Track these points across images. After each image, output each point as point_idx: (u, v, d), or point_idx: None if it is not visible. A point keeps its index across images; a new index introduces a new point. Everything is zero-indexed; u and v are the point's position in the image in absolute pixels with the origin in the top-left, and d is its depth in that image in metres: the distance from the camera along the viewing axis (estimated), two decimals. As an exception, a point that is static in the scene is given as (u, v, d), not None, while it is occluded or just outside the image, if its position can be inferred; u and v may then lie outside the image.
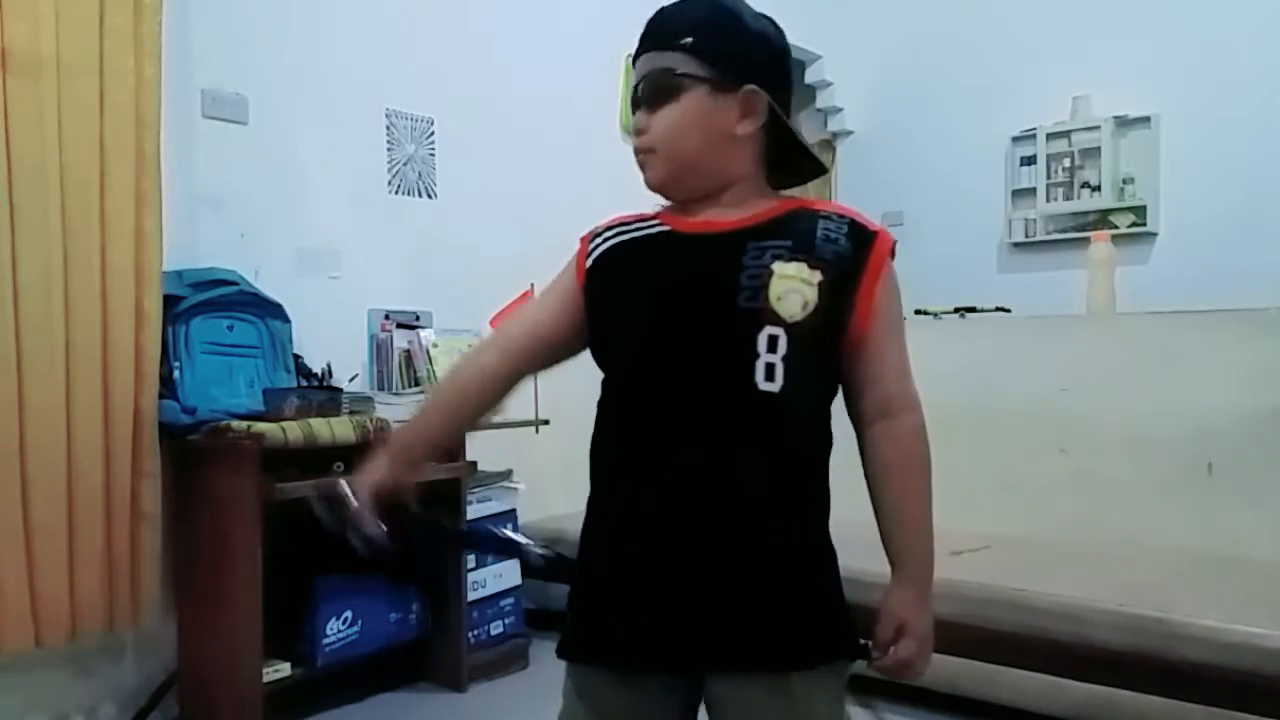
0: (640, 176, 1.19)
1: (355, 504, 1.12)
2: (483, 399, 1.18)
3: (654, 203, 1.16)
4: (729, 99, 1.07)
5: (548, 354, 1.17)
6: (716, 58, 1.06)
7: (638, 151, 1.11)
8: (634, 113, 1.12)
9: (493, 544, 1.62)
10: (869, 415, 1.07)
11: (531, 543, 1.27)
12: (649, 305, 1.07)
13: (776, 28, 1.13)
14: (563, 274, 1.17)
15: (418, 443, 1.21)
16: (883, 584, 1.08)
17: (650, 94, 1.09)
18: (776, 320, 1.01)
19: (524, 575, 2.90)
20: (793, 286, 1.02)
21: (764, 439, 1.02)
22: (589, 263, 1.12)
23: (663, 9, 1.11)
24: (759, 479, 1.02)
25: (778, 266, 1.03)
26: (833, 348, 1.05)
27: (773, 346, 1.01)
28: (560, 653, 1.11)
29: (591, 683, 1.09)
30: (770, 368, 1.01)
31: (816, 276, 1.03)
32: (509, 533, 1.12)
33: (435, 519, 1.11)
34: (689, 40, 1.07)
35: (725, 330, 1.02)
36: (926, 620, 1.07)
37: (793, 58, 1.17)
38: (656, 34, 1.10)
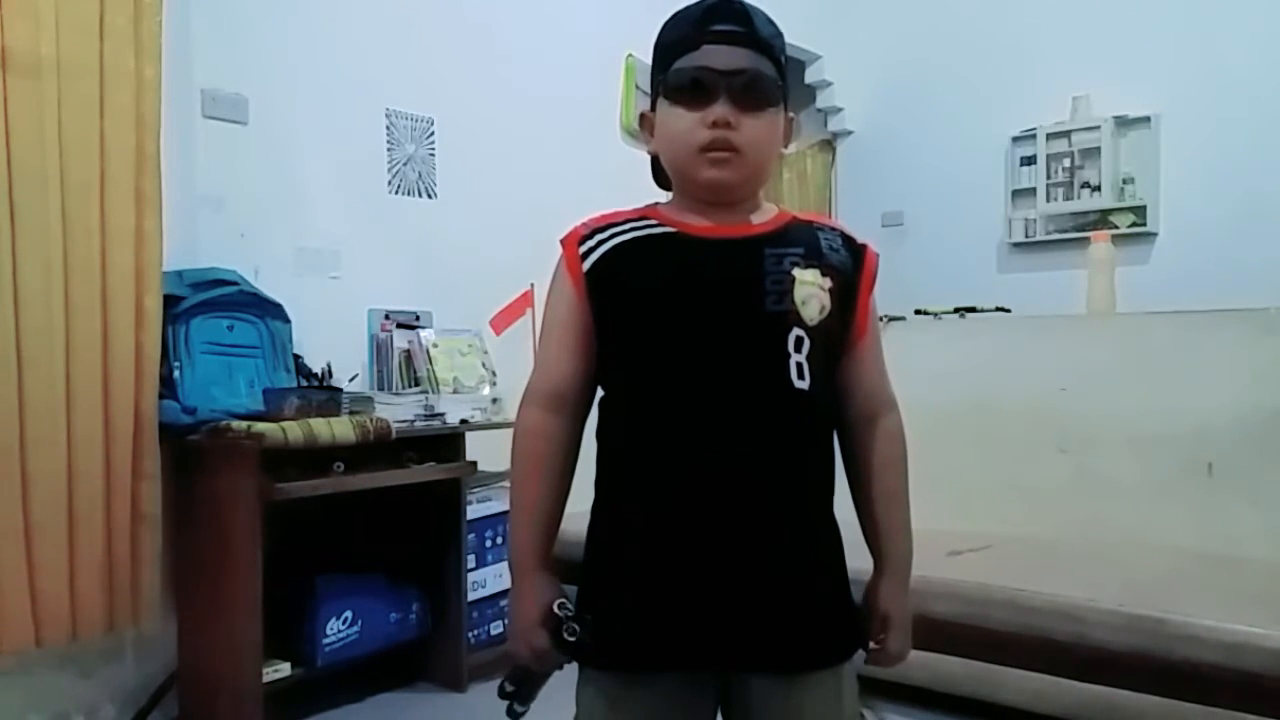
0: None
1: (538, 667, 1.10)
2: (563, 485, 1.12)
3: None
4: (783, 119, 1.11)
5: (589, 395, 1.13)
6: (783, 76, 1.10)
7: (719, 145, 1.05)
8: (694, 92, 1.05)
9: None
10: (860, 414, 1.14)
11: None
12: (673, 306, 1.06)
13: None
14: (555, 302, 1.12)
15: (543, 567, 1.11)
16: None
17: (749, 95, 1.05)
18: (801, 323, 1.05)
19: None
20: (811, 292, 1.06)
21: (801, 435, 1.07)
22: (587, 265, 1.09)
23: (740, 3, 1.08)
24: (796, 474, 1.07)
25: (797, 272, 1.07)
26: (838, 349, 1.10)
27: (799, 347, 1.05)
28: (585, 658, 1.08)
29: (618, 686, 1.07)
30: (800, 367, 1.05)
31: (828, 283, 1.08)
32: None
33: (571, 611, 1.08)
34: (782, 55, 1.10)
35: (757, 332, 1.05)
36: (909, 610, 1.14)
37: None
38: (749, 33, 1.06)
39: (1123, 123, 4.48)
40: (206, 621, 2.42)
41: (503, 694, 1.11)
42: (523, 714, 1.11)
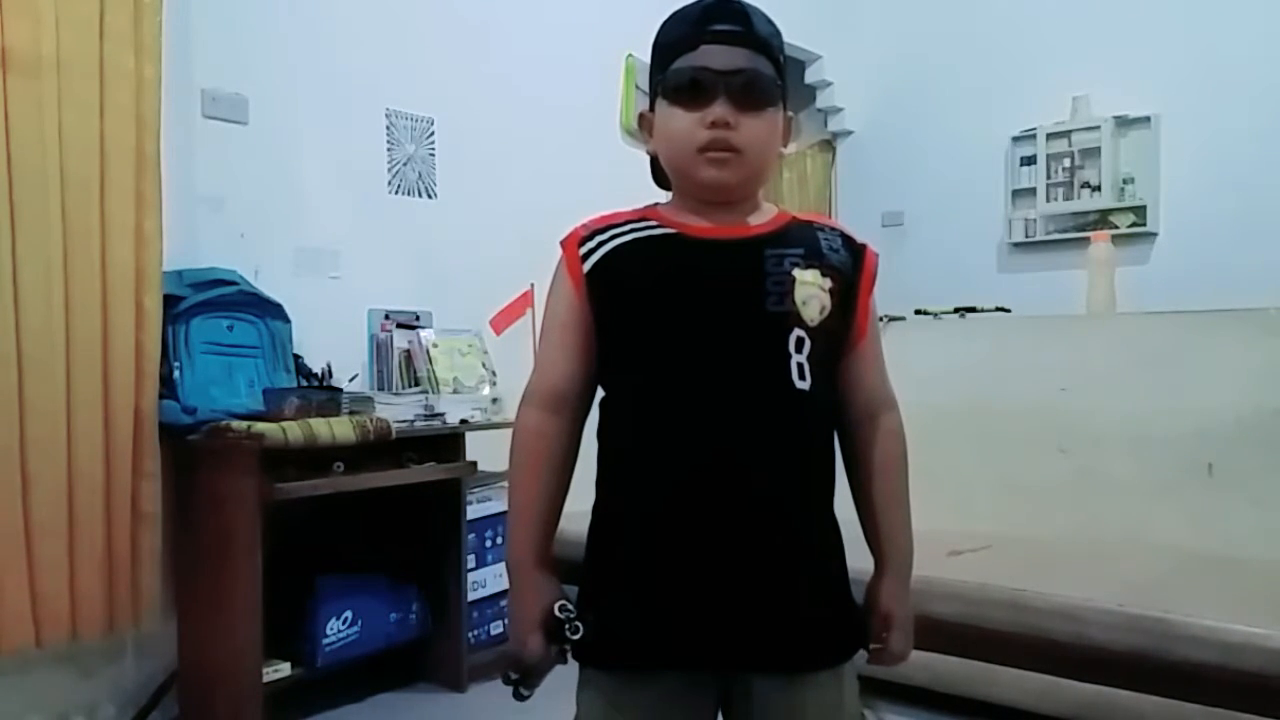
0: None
1: (542, 665, 1.10)
2: (562, 485, 1.13)
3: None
4: (782, 119, 1.11)
5: (589, 395, 1.14)
6: (782, 76, 1.10)
7: (718, 146, 1.05)
8: (693, 93, 1.05)
9: None
10: (860, 414, 1.14)
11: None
12: (674, 307, 1.06)
13: None
14: (555, 303, 1.12)
15: (542, 566, 1.12)
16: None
17: (748, 95, 1.05)
18: (801, 323, 1.05)
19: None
20: (812, 292, 1.07)
21: (801, 436, 1.07)
22: (588, 266, 1.09)
23: (739, 2, 1.08)
24: (796, 475, 1.07)
25: (797, 273, 1.07)
26: (838, 350, 1.11)
27: (800, 348, 1.05)
28: (586, 658, 1.08)
29: (618, 686, 1.08)
30: (801, 367, 1.05)
31: (828, 284, 1.08)
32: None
33: (572, 612, 1.10)
34: (781, 54, 1.10)
35: (758, 332, 1.05)
36: (910, 610, 1.15)
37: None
38: (747, 32, 1.06)
39: (1123, 123, 4.48)
40: (206, 621, 2.42)
41: (507, 681, 1.12)
42: (528, 697, 1.12)
